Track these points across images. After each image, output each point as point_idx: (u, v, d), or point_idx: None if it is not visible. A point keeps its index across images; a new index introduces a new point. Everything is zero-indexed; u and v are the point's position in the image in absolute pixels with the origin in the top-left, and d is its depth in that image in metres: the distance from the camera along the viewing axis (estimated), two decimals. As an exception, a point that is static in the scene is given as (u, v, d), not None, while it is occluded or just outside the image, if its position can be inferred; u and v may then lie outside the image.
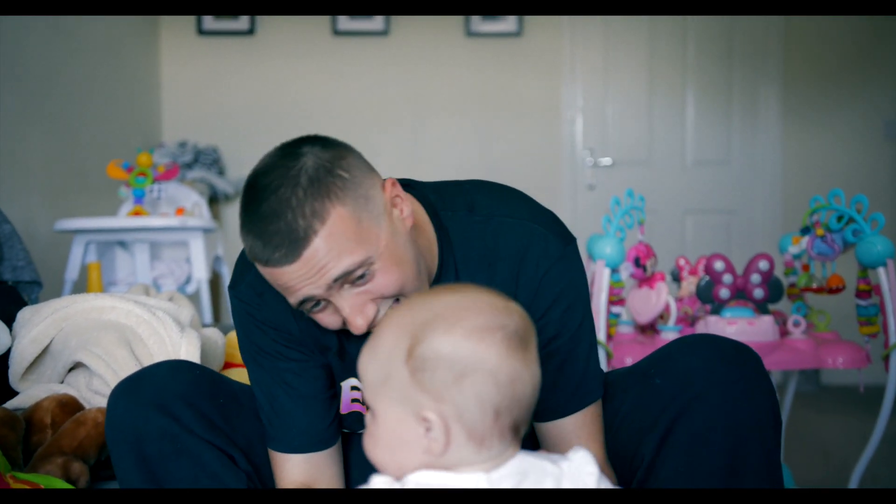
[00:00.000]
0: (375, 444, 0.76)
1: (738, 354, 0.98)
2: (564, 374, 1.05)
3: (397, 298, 0.95)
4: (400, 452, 0.74)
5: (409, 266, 0.95)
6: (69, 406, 1.27)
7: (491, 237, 1.04)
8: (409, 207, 0.98)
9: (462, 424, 0.71)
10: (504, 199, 1.08)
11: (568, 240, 1.06)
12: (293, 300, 0.93)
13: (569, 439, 1.06)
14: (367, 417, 0.78)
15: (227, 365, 1.61)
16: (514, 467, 0.73)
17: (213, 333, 1.51)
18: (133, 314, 1.37)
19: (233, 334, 1.66)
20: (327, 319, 0.96)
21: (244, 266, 1.07)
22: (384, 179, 0.98)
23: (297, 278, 0.90)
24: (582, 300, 1.06)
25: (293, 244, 0.88)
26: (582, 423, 1.06)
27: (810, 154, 4.01)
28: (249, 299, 1.06)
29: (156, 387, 1.01)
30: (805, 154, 4.01)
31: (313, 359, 1.06)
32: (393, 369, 0.74)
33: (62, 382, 1.38)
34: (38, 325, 1.35)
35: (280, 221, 0.88)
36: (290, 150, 0.93)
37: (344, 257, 0.89)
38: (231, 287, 1.09)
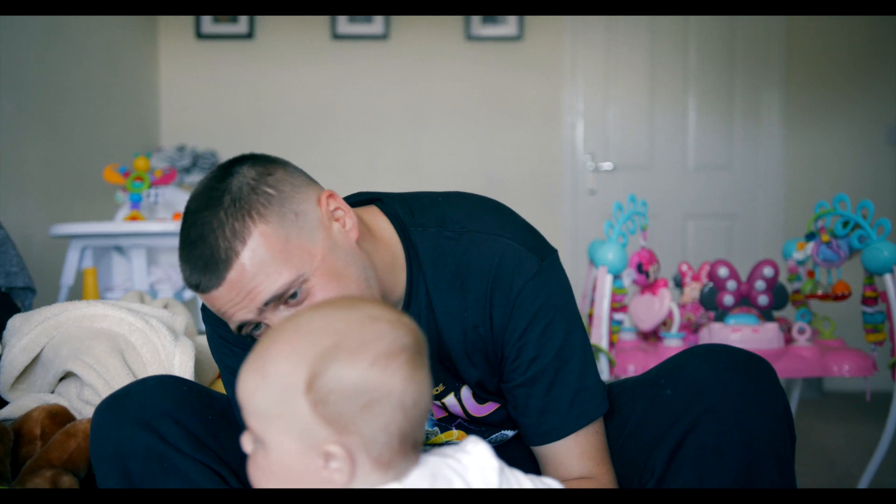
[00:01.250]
0: (266, 477, 0.72)
1: (752, 365, 0.96)
2: (553, 398, 1.00)
3: None
4: (297, 484, 0.70)
5: (351, 280, 0.91)
6: (59, 417, 1.24)
7: (462, 254, 0.99)
8: (353, 220, 0.94)
9: (368, 454, 0.69)
10: (477, 213, 1.02)
11: (544, 254, 1.00)
12: (232, 325, 0.90)
13: (567, 463, 1.01)
14: (249, 445, 0.73)
15: (223, 373, 1.58)
16: (418, 477, 0.70)
17: (208, 341, 1.48)
18: (126, 322, 1.34)
19: (229, 342, 1.63)
20: None
21: None
22: (322, 192, 0.94)
23: (228, 303, 0.87)
24: (564, 316, 1.00)
25: (215, 267, 0.86)
26: (580, 445, 1.01)
27: (812, 159, 3.98)
28: (217, 320, 1.04)
29: (141, 403, 0.98)
30: (807, 159, 3.99)
31: None
32: (289, 402, 0.69)
33: (53, 392, 1.35)
34: (28, 333, 1.33)
35: (203, 245, 0.86)
36: (222, 172, 0.91)
37: (272, 278, 0.86)
38: (202, 309, 1.06)
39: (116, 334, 1.33)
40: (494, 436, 1.13)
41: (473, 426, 1.11)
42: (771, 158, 4.00)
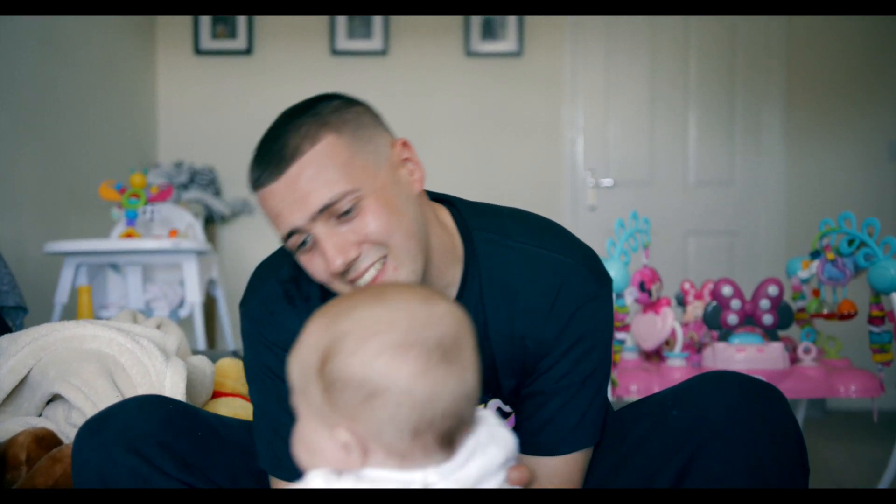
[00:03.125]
0: (298, 448, 0.72)
1: (763, 394, 0.92)
2: (563, 415, 0.99)
3: (385, 257, 0.90)
4: (321, 460, 0.69)
5: (404, 219, 0.91)
6: (46, 441, 1.21)
7: (519, 266, 1.00)
8: (421, 174, 0.98)
9: (380, 443, 0.67)
10: (540, 231, 1.04)
11: (604, 281, 1.01)
12: (282, 232, 0.91)
13: (547, 478, 0.99)
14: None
15: (216, 394, 1.54)
16: (463, 477, 0.68)
17: (201, 362, 1.45)
18: (115, 343, 1.30)
19: (222, 362, 1.59)
20: (313, 266, 0.92)
21: (257, 282, 1.04)
22: (398, 139, 0.97)
23: (283, 201, 0.88)
24: (604, 345, 1.01)
25: (279, 160, 0.89)
26: (566, 466, 1.00)
27: (814, 175, 3.96)
28: (260, 317, 1.01)
29: (123, 425, 0.95)
30: (809, 175, 3.96)
31: None
32: (309, 382, 0.69)
33: (40, 415, 1.31)
34: (15, 354, 1.29)
35: (274, 143, 0.90)
36: (310, 99, 0.96)
37: (329, 185, 0.87)
38: (242, 304, 1.04)
39: (106, 355, 1.30)
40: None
41: None
42: (772, 174, 3.98)
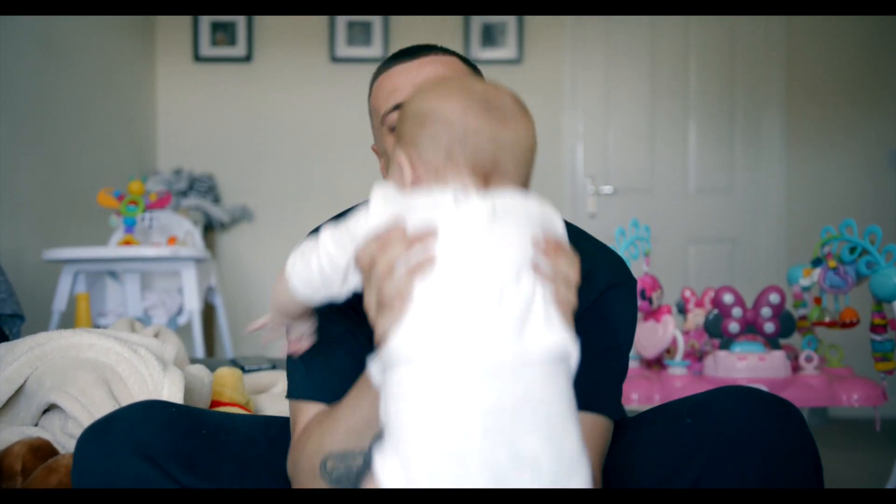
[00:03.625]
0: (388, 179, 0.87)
1: (781, 410, 0.91)
2: (583, 373, 0.97)
3: None
4: (396, 179, 0.83)
5: None
6: (42, 451, 1.19)
7: (584, 240, 1.08)
8: None
9: (421, 162, 0.80)
10: (577, 228, 1.09)
11: (630, 276, 1.10)
12: (391, 103, 1.05)
13: None
14: None
15: (214, 403, 1.53)
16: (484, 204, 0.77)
17: (199, 371, 1.43)
18: (113, 352, 1.29)
19: (221, 371, 1.58)
20: None
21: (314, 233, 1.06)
22: None
23: (406, 78, 1.05)
24: (625, 329, 1.06)
25: (419, 50, 1.08)
26: (595, 427, 0.97)
27: (814, 182, 3.95)
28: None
29: (129, 429, 0.94)
30: (809, 182, 3.95)
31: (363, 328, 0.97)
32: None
33: (37, 425, 1.30)
34: (11, 363, 1.28)
35: (414, 46, 1.10)
36: None
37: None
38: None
39: (103, 364, 1.29)
40: None
41: None
42: (772, 182, 3.97)
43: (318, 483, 0.91)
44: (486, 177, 0.80)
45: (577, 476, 0.70)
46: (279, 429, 1.08)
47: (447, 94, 0.82)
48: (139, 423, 0.95)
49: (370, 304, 0.76)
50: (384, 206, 0.78)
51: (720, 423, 0.90)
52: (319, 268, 0.80)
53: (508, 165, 0.81)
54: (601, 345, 1.00)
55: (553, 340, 0.72)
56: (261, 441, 1.05)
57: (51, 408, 1.29)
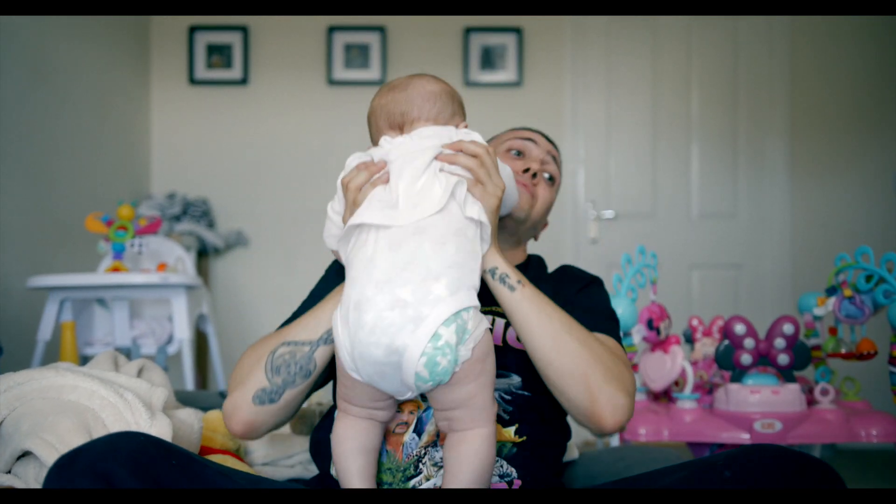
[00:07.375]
0: None
1: (822, 477, 0.85)
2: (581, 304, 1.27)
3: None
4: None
5: None
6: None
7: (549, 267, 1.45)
8: None
9: (373, 134, 1.21)
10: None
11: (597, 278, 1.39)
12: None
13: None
14: None
15: (205, 450, 1.43)
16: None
17: (189, 416, 1.34)
18: (97, 395, 1.20)
19: (211, 414, 1.49)
20: None
21: None
22: None
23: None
24: (607, 302, 1.34)
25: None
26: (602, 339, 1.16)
27: (819, 207, 3.88)
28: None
29: (93, 459, 0.89)
30: (814, 207, 3.88)
31: None
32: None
33: (9, 472, 1.21)
34: (-17, 403, 1.19)
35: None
36: None
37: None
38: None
39: (85, 408, 1.20)
40: (508, 375, 1.17)
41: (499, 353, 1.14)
42: (777, 206, 3.90)
43: (254, 369, 1.10)
44: (400, 126, 1.14)
45: (437, 308, 0.94)
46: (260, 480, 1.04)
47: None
48: (104, 454, 0.91)
49: (346, 214, 1.10)
50: (356, 158, 1.14)
51: (760, 482, 0.86)
52: (331, 222, 1.18)
53: (414, 113, 1.13)
54: (599, 312, 1.26)
55: (433, 210, 1.01)
56: (238, 476, 1.03)
57: (26, 454, 1.20)
